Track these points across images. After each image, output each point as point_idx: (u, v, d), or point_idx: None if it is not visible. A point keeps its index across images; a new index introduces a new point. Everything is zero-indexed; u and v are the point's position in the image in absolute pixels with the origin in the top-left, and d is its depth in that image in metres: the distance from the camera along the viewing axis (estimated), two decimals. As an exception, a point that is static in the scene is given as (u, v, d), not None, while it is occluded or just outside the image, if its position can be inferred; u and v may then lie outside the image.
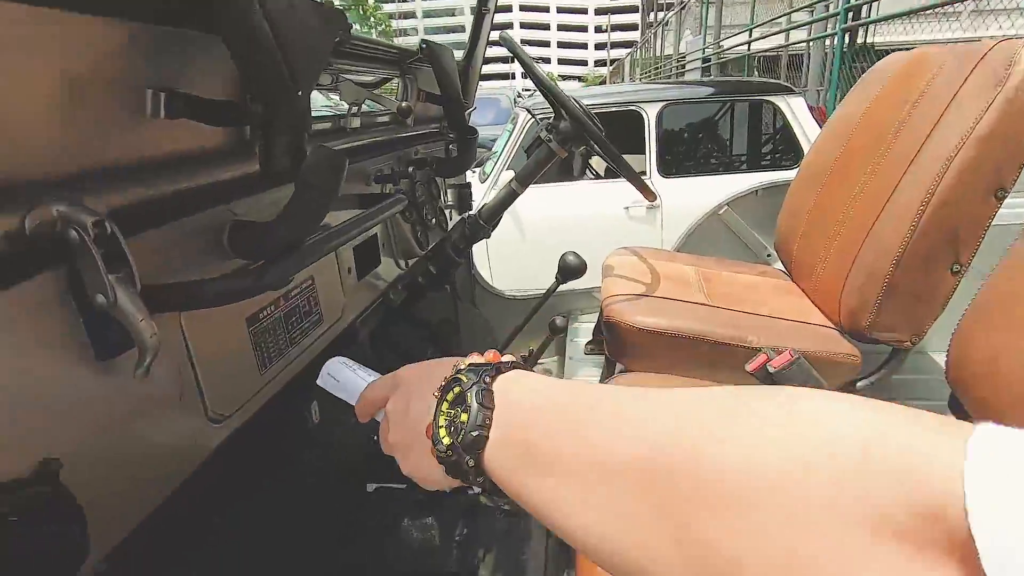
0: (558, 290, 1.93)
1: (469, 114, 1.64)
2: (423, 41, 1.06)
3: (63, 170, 0.44)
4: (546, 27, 59.96)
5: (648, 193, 1.27)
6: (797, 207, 1.50)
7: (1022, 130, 0.92)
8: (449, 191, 1.51)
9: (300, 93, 0.57)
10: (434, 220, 1.25)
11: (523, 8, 58.62)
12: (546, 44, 60.38)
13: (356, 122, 0.96)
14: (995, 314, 0.73)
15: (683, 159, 3.65)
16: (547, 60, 58.90)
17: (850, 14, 4.87)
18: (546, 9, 58.96)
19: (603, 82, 39.82)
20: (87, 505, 0.42)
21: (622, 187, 3.34)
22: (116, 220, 0.46)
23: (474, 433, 0.31)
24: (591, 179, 3.60)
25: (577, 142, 1.22)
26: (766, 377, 0.97)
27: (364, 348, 1.04)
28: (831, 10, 5.58)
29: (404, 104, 0.99)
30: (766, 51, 8.09)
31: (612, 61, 35.69)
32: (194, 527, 0.57)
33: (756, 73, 8.35)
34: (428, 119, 1.40)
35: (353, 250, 0.90)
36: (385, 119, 1.20)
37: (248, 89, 0.54)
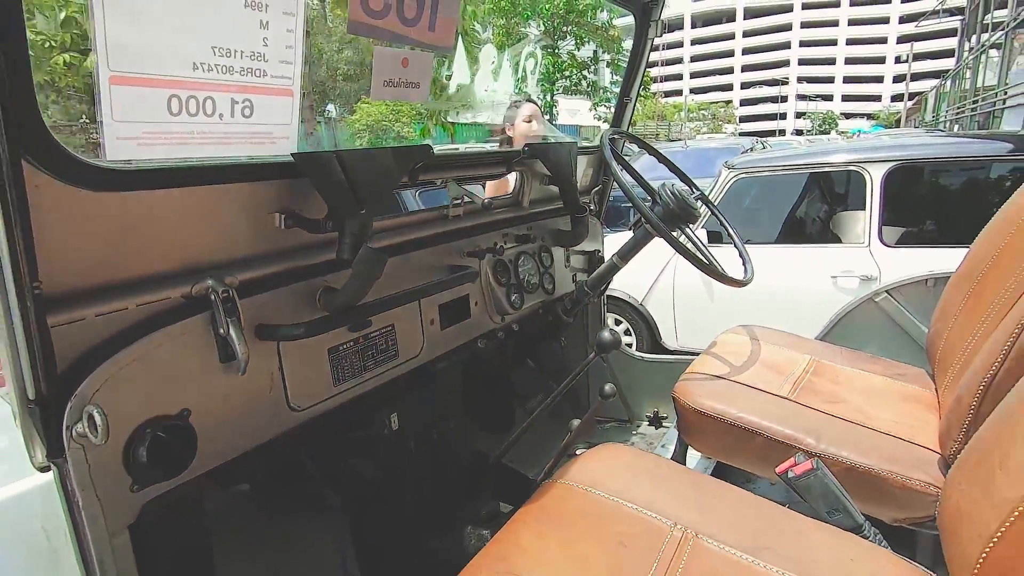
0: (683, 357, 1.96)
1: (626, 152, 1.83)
2: (526, 146, 1.33)
3: (226, 258, 0.83)
4: (831, 61, 54.13)
5: (729, 281, 1.30)
6: (950, 304, 1.31)
7: None
8: (575, 257, 1.72)
9: (364, 211, 0.89)
10: (538, 284, 1.49)
11: (804, 44, 54.06)
12: (829, 80, 54.42)
13: (458, 211, 1.27)
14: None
15: (922, 227, 3.11)
16: (828, 98, 52.92)
17: None
18: (832, 43, 53.29)
19: (898, 121, 33.99)
20: (201, 437, 0.78)
21: (831, 253, 3.04)
22: (245, 286, 0.84)
23: None
24: (791, 244, 3.34)
25: (656, 230, 1.32)
26: (789, 482, 0.96)
27: (451, 381, 1.33)
28: None
29: (487, 200, 1.26)
30: None
31: (912, 96, 30.31)
32: (267, 473, 0.92)
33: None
34: (553, 198, 1.64)
35: (438, 306, 1.20)
36: (505, 205, 1.50)
37: (330, 213, 0.88)
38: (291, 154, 0.83)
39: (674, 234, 1.29)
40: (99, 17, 0.58)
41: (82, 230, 0.67)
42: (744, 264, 1.42)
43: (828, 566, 0.73)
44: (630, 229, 1.64)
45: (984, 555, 0.59)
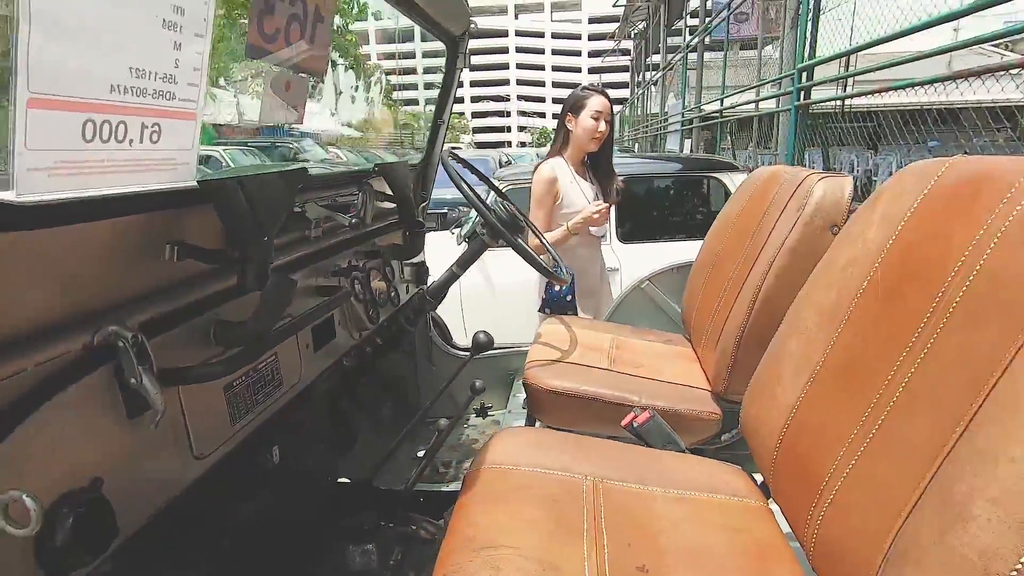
0: (515, 350, 2.20)
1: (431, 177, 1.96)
2: (376, 164, 1.39)
3: (122, 298, 0.73)
4: (542, 84, 62.61)
5: (557, 280, 1.58)
6: (695, 286, 1.81)
7: (816, 246, 1.23)
8: (407, 268, 1.81)
9: (266, 239, 0.87)
10: (387, 298, 1.55)
11: (520, 67, 61.28)
12: (542, 100, 62.78)
13: (318, 232, 1.26)
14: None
15: (641, 227, 4.00)
16: (542, 115, 60.98)
17: (803, 93, 5.34)
18: (542, 67, 61.71)
19: (595, 137, 41.37)
20: (116, 507, 0.68)
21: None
22: (145, 328, 0.75)
23: None
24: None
25: (503, 238, 1.53)
26: (634, 431, 1.25)
27: (321, 404, 1.31)
28: (785, 86, 6.10)
29: (350, 219, 1.30)
30: (738, 115, 8.62)
31: (604, 117, 37.17)
32: (181, 531, 0.83)
33: (730, 136, 8.97)
34: (385, 214, 1.71)
35: (310, 329, 1.18)
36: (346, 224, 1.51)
37: (230, 240, 0.83)
38: (197, 181, 0.77)
39: (514, 245, 1.50)
40: (24, 31, 0.50)
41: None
42: (559, 264, 1.72)
43: (680, 476, 1.02)
44: (467, 240, 1.79)
45: (778, 444, 0.93)
